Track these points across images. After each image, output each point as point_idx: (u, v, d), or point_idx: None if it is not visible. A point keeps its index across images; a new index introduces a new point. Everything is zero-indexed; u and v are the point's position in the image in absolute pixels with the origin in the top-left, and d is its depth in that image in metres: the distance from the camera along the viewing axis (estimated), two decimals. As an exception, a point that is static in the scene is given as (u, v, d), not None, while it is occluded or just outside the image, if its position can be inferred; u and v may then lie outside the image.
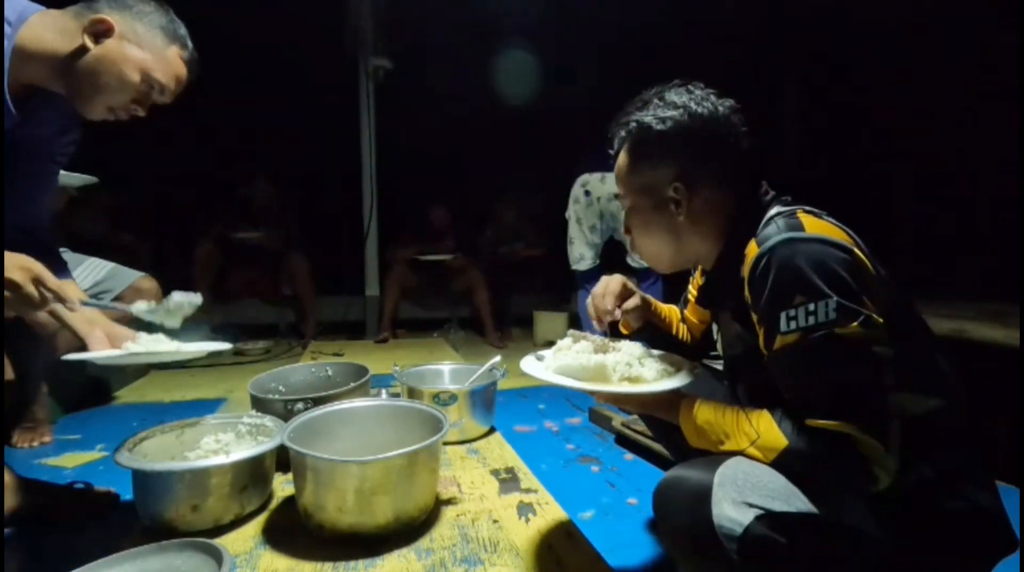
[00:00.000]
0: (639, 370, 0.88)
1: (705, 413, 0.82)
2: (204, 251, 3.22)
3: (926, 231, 3.05)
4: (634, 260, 2.60)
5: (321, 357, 2.92)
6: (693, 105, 0.88)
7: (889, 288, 0.77)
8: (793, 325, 0.72)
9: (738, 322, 0.87)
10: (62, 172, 1.59)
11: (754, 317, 0.79)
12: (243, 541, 1.06)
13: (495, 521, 1.14)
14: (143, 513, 1.09)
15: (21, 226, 1.16)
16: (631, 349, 0.92)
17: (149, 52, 1.08)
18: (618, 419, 1.84)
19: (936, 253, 2.91)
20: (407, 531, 1.07)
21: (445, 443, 1.50)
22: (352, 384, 1.53)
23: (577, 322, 3.16)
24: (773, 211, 0.84)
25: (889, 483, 0.69)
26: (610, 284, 1.06)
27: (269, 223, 3.42)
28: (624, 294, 1.07)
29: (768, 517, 0.69)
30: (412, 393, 1.60)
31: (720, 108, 0.89)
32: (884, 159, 3.25)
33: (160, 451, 1.19)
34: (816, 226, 0.76)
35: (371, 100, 3.73)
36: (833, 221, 0.80)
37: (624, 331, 1.14)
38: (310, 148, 4.05)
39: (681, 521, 0.74)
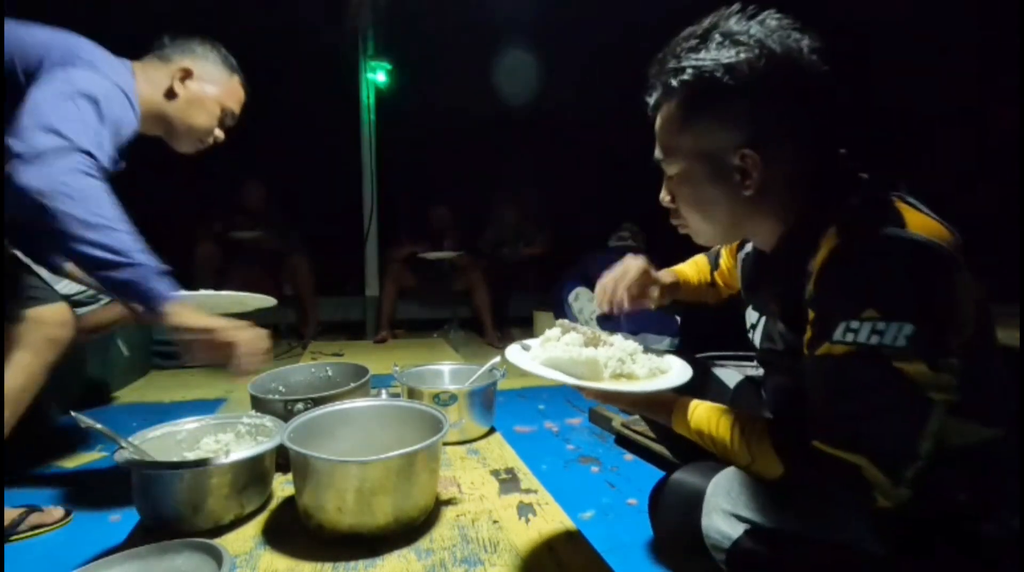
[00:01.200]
0: (631, 367, 0.82)
1: (700, 422, 0.77)
2: (204, 251, 3.23)
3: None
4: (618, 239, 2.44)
5: (321, 357, 2.92)
6: (771, 43, 0.68)
7: (980, 307, 0.63)
8: (850, 337, 0.60)
9: (784, 322, 0.75)
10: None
11: (810, 313, 0.66)
12: (243, 541, 1.06)
13: (495, 521, 1.14)
14: (143, 513, 1.09)
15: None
16: (624, 344, 0.87)
17: (220, 86, 1.30)
18: (618, 419, 1.84)
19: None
20: (407, 531, 1.07)
21: (445, 443, 1.50)
22: (352, 384, 1.53)
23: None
24: (864, 195, 0.68)
25: (890, 507, 0.61)
26: (629, 271, 0.95)
27: (268, 223, 3.42)
28: (645, 282, 0.97)
29: (757, 532, 0.66)
30: (412, 393, 1.60)
31: (804, 48, 0.70)
32: (884, 159, 3.26)
33: (160, 451, 1.19)
34: (920, 224, 0.61)
35: (371, 100, 3.73)
36: (938, 218, 0.64)
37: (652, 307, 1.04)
38: (310, 148, 4.05)
39: (674, 526, 0.74)
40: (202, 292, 1.45)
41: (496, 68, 4.07)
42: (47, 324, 1.21)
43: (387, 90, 3.78)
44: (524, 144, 4.28)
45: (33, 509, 1.25)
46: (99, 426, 1.06)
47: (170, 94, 1.24)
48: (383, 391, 1.85)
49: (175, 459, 1.20)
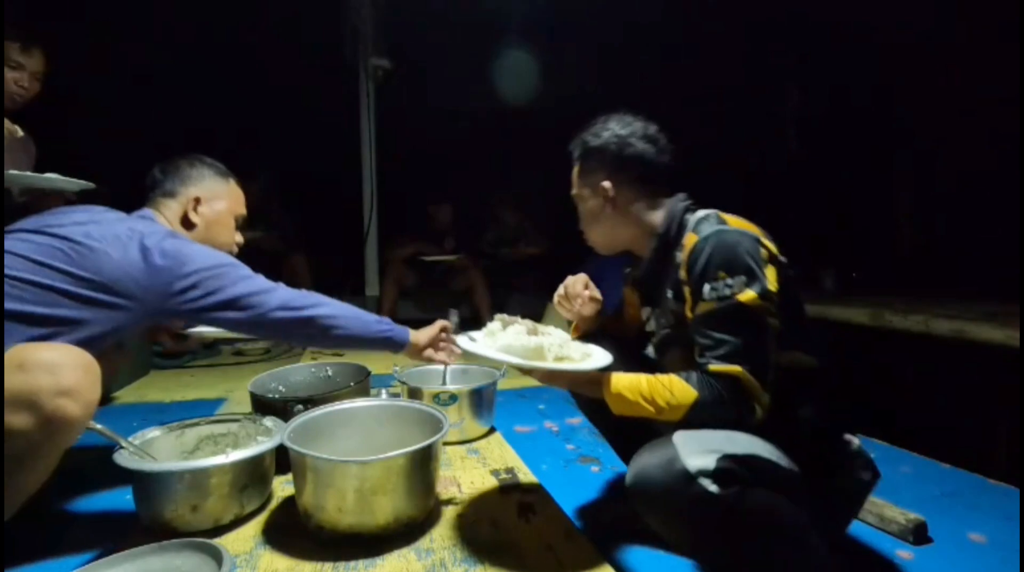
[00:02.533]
0: (568, 351, 1.01)
1: (625, 382, 0.99)
2: None
3: (926, 231, 3.05)
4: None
5: (321, 357, 2.92)
6: (618, 127, 1.14)
7: (787, 273, 1.00)
8: (713, 294, 0.95)
9: (673, 298, 1.08)
10: (60, 177, 1.60)
11: (686, 290, 1.02)
12: (243, 541, 1.06)
13: (495, 521, 1.14)
14: (143, 513, 1.09)
15: None
16: (559, 334, 1.05)
17: (225, 199, 1.39)
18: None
19: (936, 253, 2.91)
20: (407, 531, 1.07)
21: (445, 443, 1.50)
22: (352, 384, 1.53)
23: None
24: (700, 213, 1.07)
25: (762, 416, 0.93)
26: (579, 277, 1.27)
27: (267, 224, 3.41)
28: (587, 284, 1.27)
29: (727, 457, 0.87)
30: (412, 393, 1.60)
31: (641, 131, 1.14)
32: (884, 159, 3.25)
33: (160, 451, 1.19)
34: (735, 222, 1.02)
35: (371, 100, 3.73)
36: (745, 219, 1.04)
37: (573, 335, 1.29)
38: (310, 148, 4.05)
39: (659, 484, 0.89)
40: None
41: (496, 68, 4.07)
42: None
43: (387, 90, 3.78)
44: (524, 144, 4.28)
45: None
46: (99, 426, 1.06)
47: (188, 224, 1.33)
48: (383, 391, 1.85)
49: (175, 459, 1.20)
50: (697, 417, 0.93)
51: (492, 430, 1.67)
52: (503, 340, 1.01)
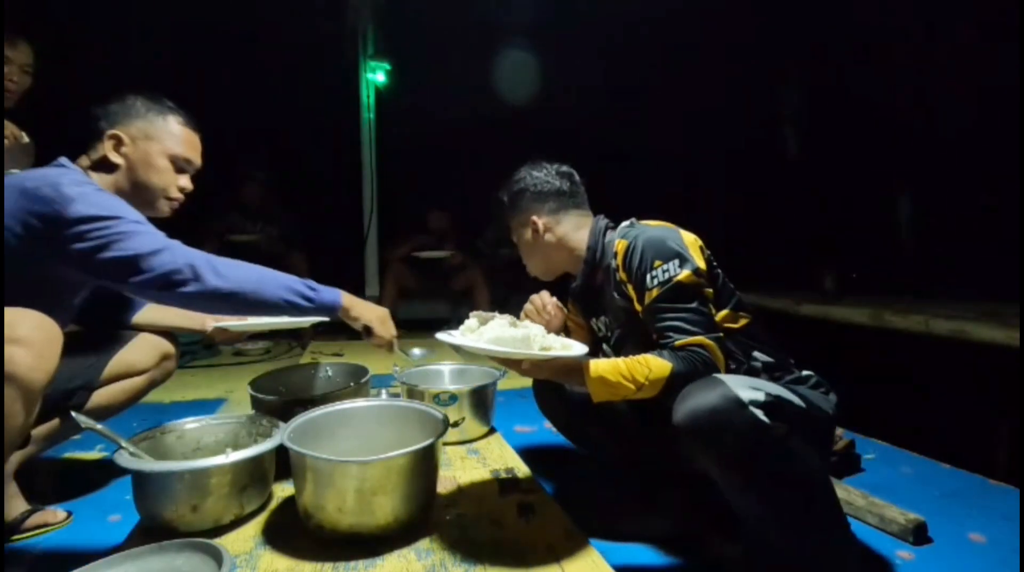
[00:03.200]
0: (549, 341, 1.06)
1: (604, 366, 1.06)
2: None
3: (926, 231, 3.05)
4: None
5: (321, 357, 2.92)
6: (534, 171, 1.35)
7: (705, 251, 1.17)
8: (656, 282, 1.10)
9: (620, 297, 1.20)
10: None
11: (629, 288, 1.16)
12: (243, 541, 1.06)
13: (495, 521, 1.14)
14: (143, 513, 1.09)
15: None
16: (537, 327, 1.08)
17: (159, 137, 1.24)
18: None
19: (936, 253, 2.91)
20: (407, 531, 1.07)
21: (445, 443, 1.50)
22: (352, 384, 1.53)
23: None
24: (622, 224, 1.28)
25: (724, 366, 1.07)
26: (543, 292, 1.42)
27: (268, 224, 3.41)
28: (553, 302, 1.41)
29: (770, 394, 0.95)
30: (412, 393, 1.60)
31: (554, 170, 1.34)
32: (885, 159, 3.25)
33: (160, 451, 1.19)
34: (653, 224, 1.22)
35: (371, 100, 3.73)
36: (659, 220, 1.24)
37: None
38: (310, 148, 4.05)
39: (714, 411, 0.92)
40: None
41: (496, 68, 4.07)
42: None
43: (387, 90, 3.78)
44: (524, 144, 4.26)
45: (35, 509, 1.25)
46: (99, 426, 1.06)
47: (106, 167, 1.21)
48: (383, 391, 1.85)
49: (175, 459, 1.20)
50: (676, 386, 1.01)
51: (492, 430, 1.67)
52: (490, 333, 1.04)
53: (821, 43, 3.61)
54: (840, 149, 3.49)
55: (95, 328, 1.36)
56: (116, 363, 1.32)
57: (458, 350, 1.10)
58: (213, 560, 0.85)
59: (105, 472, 1.58)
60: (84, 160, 1.21)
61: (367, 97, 3.73)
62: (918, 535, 1.22)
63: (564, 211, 1.32)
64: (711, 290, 1.12)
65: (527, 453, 1.60)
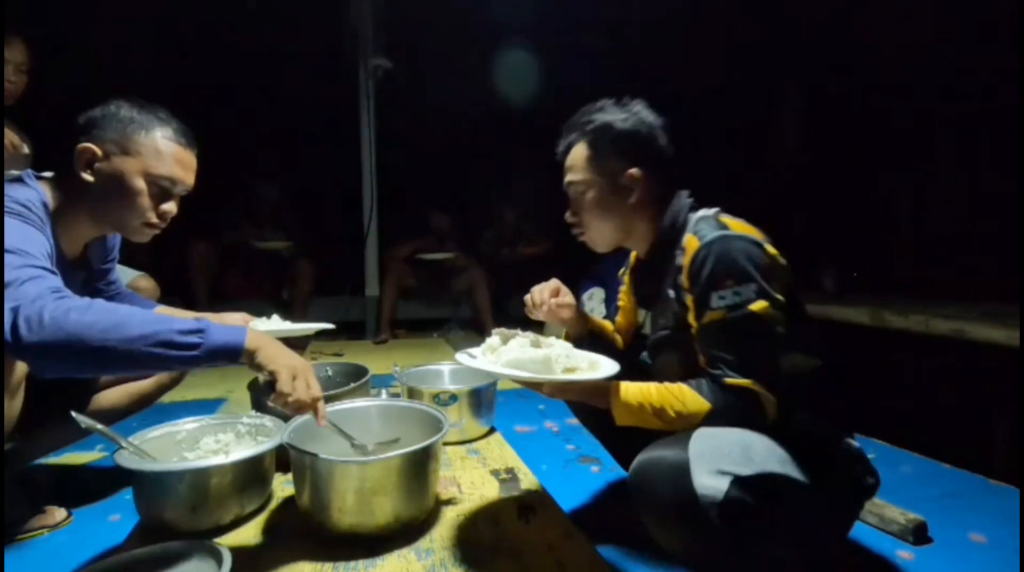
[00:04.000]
0: (575, 362, 0.99)
1: (633, 392, 0.96)
2: (199, 252, 3.20)
3: (926, 231, 3.05)
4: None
5: (321, 357, 2.92)
6: (644, 113, 1.08)
7: (789, 276, 0.98)
8: (722, 303, 0.91)
9: (675, 299, 1.03)
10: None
11: (687, 297, 0.98)
12: (243, 541, 1.06)
13: (495, 521, 1.14)
14: (143, 513, 1.09)
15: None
16: (563, 345, 1.02)
17: (138, 153, 1.05)
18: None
19: (936, 253, 2.91)
20: (407, 531, 1.07)
21: (445, 443, 1.50)
22: (352, 384, 1.53)
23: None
24: (700, 213, 1.03)
25: (773, 420, 0.90)
26: (549, 283, 1.24)
27: (283, 232, 3.41)
28: (557, 290, 1.23)
29: (739, 481, 0.81)
30: (412, 393, 1.60)
31: (661, 122, 1.09)
32: (885, 159, 3.25)
33: (160, 451, 1.19)
34: (737, 226, 0.97)
35: (371, 100, 3.73)
36: (746, 222, 1.00)
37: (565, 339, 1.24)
38: (310, 148, 4.05)
39: (664, 494, 0.84)
40: (263, 322, 1.45)
41: (496, 67, 4.07)
42: None
43: (387, 90, 3.78)
44: (525, 144, 4.27)
45: (35, 509, 1.25)
46: (99, 426, 1.06)
47: (76, 185, 1.04)
48: (383, 391, 1.85)
49: (175, 459, 1.20)
50: (709, 425, 0.90)
51: (492, 430, 1.67)
52: (509, 354, 0.97)
53: (821, 43, 3.61)
54: (840, 148, 3.49)
55: None
56: None
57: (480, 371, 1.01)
58: (213, 560, 0.85)
59: (105, 472, 1.58)
60: (47, 181, 1.07)
61: (367, 97, 3.72)
62: (918, 535, 1.22)
63: (659, 170, 1.07)
64: (784, 329, 0.92)
65: (527, 453, 1.60)
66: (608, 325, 1.35)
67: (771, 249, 0.96)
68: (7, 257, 0.84)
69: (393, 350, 3.21)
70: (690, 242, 0.98)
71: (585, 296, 3.15)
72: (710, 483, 0.80)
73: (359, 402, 1.33)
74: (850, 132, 3.44)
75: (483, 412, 1.62)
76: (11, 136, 1.67)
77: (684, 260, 0.98)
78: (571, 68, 4.08)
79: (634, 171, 1.05)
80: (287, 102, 3.95)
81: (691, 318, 0.97)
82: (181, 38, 3.66)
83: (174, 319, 0.87)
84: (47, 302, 0.81)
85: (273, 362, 0.93)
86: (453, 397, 1.56)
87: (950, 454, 1.68)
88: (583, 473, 1.62)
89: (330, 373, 1.69)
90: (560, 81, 4.10)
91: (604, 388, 0.97)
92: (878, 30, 3.23)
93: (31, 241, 0.91)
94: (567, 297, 1.23)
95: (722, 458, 0.83)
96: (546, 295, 1.21)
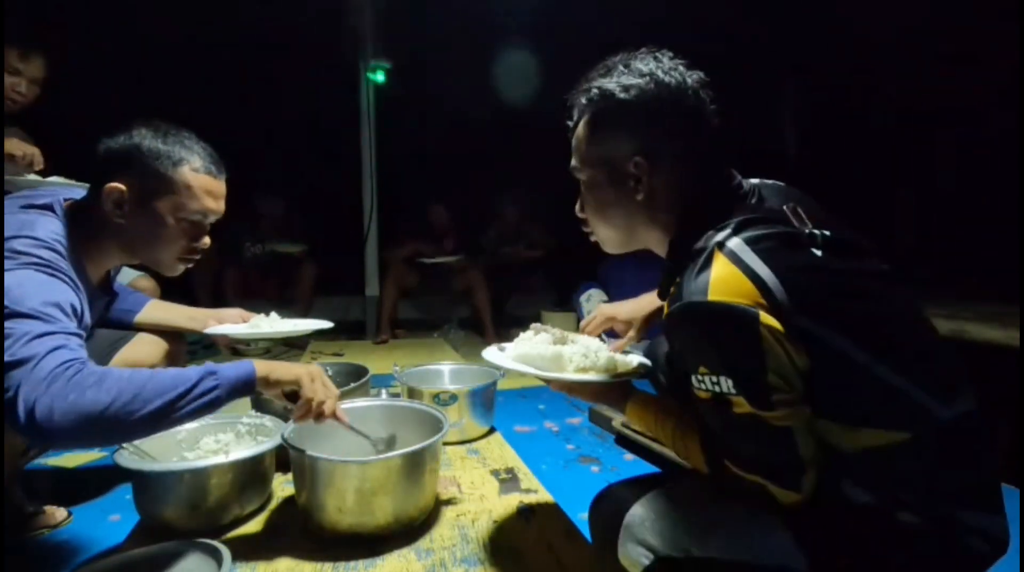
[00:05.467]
0: (594, 361, 0.91)
1: (646, 419, 0.87)
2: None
3: (926, 231, 3.05)
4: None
5: (321, 357, 2.92)
6: (660, 74, 0.80)
7: (826, 326, 0.67)
8: (703, 387, 0.70)
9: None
10: (64, 180, 1.60)
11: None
12: (243, 541, 1.06)
13: (495, 521, 1.14)
14: (143, 513, 1.09)
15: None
16: (588, 342, 0.96)
17: (166, 190, 1.03)
18: (618, 419, 1.84)
19: (936, 253, 2.91)
20: (407, 531, 1.07)
21: (445, 443, 1.50)
22: (352, 384, 1.53)
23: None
24: (709, 236, 0.73)
25: (795, 509, 0.68)
26: (594, 320, 1.12)
27: (296, 238, 3.43)
28: (607, 327, 1.12)
29: (661, 562, 0.72)
30: (412, 393, 1.60)
31: (689, 80, 0.81)
32: (885, 159, 3.25)
33: (160, 451, 1.19)
34: (721, 285, 0.67)
35: (371, 101, 3.73)
36: (748, 265, 0.68)
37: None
38: (310, 149, 4.05)
39: (599, 536, 0.83)
40: (263, 320, 1.45)
41: (496, 68, 4.07)
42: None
43: (387, 90, 3.78)
44: (525, 144, 4.27)
45: (35, 509, 1.25)
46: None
47: (105, 226, 1.02)
48: (383, 391, 1.85)
49: (175, 459, 1.20)
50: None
51: (492, 430, 1.67)
52: (521, 349, 0.95)
53: (821, 44, 3.61)
54: (840, 148, 3.50)
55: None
56: (118, 362, 1.31)
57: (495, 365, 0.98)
58: (213, 560, 0.85)
59: (105, 472, 1.58)
60: (75, 210, 1.04)
61: (367, 97, 3.72)
62: (918, 535, 1.21)
63: (679, 159, 0.80)
64: (800, 409, 0.66)
65: (527, 453, 1.60)
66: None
67: (768, 320, 0.65)
68: (29, 322, 0.81)
69: (393, 350, 3.21)
70: (673, 290, 0.75)
71: (583, 298, 3.12)
72: (631, 553, 0.74)
73: (359, 402, 1.33)
74: (849, 132, 3.45)
75: (483, 412, 1.62)
76: (23, 146, 1.68)
77: (665, 312, 0.76)
78: (571, 68, 4.07)
79: (638, 159, 0.80)
80: (287, 102, 3.95)
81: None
82: (181, 39, 3.66)
83: (185, 370, 0.88)
84: (60, 385, 0.77)
85: (290, 373, 0.97)
86: (453, 397, 1.56)
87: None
88: (583, 473, 1.62)
89: (330, 373, 1.69)
90: (560, 81, 4.10)
91: (617, 392, 0.91)
92: (880, 28, 3.23)
93: (56, 294, 0.88)
94: (620, 329, 1.12)
95: (662, 530, 0.73)
96: (602, 326, 1.11)
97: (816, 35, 3.63)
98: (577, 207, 0.93)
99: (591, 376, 0.90)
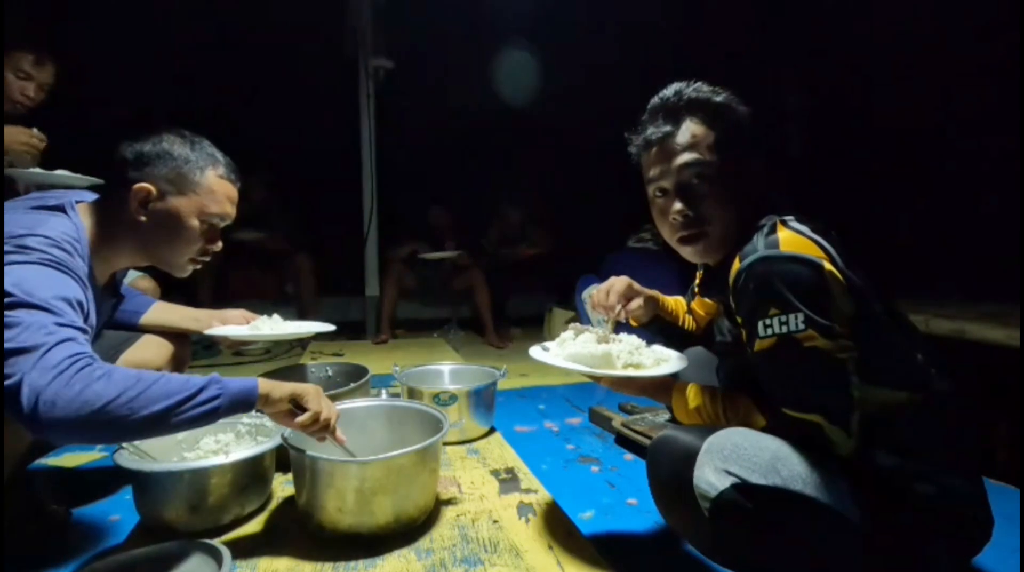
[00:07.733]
0: (639, 358, 0.98)
1: (696, 397, 0.95)
2: None
3: (927, 231, 3.05)
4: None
5: (321, 357, 2.92)
6: (734, 103, 0.99)
7: (861, 294, 0.84)
8: (769, 332, 0.82)
9: (727, 317, 1.00)
10: (68, 173, 1.60)
11: (738, 319, 0.91)
12: (243, 541, 1.06)
13: (495, 521, 1.14)
14: (143, 513, 1.09)
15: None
16: (631, 340, 1.02)
17: (192, 192, 1.08)
18: (618, 419, 1.84)
19: (936, 253, 2.91)
20: (407, 531, 1.07)
21: (445, 443, 1.50)
22: (352, 384, 1.53)
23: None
24: (765, 220, 0.91)
25: (847, 453, 0.80)
26: (616, 284, 1.14)
27: (270, 224, 3.41)
28: (629, 294, 1.16)
29: (743, 487, 0.78)
30: (412, 393, 1.60)
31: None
32: (885, 159, 3.25)
33: (160, 451, 1.19)
34: (791, 243, 0.84)
35: (371, 100, 3.73)
36: (809, 234, 0.86)
37: (633, 324, 1.22)
38: (310, 148, 4.05)
39: (666, 475, 0.86)
40: (265, 321, 1.45)
41: (497, 67, 4.07)
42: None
43: (387, 90, 3.78)
44: (526, 144, 4.27)
45: (35, 509, 1.25)
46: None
47: (127, 223, 1.05)
48: (383, 391, 1.85)
49: (175, 459, 1.20)
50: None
51: (492, 430, 1.67)
52: (571, 349, 1.00)
53: (821, 45, 3.61)
54: (840, 148, 3.50)
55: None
56: (124, 363, 1.30)
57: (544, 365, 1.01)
58: (213, 560, 0.85)
59: (105, 472, 1.58)
60: (90, 214, 1.06)
61: (367, 97, 3.72)
62: (918, 535, 1.22)
63: (769, 167, 0.97)
64: (854, 354, 0.80)
65: (527, 453, 1.60)
66: (681, 305, 1.30)
67: (831, 268, 0.81)
68: (39, 313, 0.82)
69: (393, 350, 3.21)
70: (735, 262, 0.89)
71: (584, 294, 3.12)
72: (710, 478, 0.79)
73: (359, 402, 1.33)
74: (850, 132, 3.45)
75: (483, 412, 1.62)
76: (27, 134, 1.70)
77: (730, 279, 0.90)
78: (572, 68, 4.08)
79: (756, 163, 0.95)
80: (287, 102, 3.95)
81: (745, 339, 0.90)
82: (182, 36, 3.66)
83: (192, 377, 0.89)
84: (69, 375, 0.78)
85: (293, 389, 0.99)
86: (453, 397, 1.56)
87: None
88: (583, 473, 1.62)
89: (330, 373, 1.69)
90: (561, 81, 4.10)
91: (666, 385, 0.98)
92: (880, 28, 3.23)
93: (66, 290, 0.90)
94: (638, 301, 1.17)
95: (738, 459, 0.79)
96: (614, 300, 1.13)
97: (816, 35, 3.63)
98: (681, 207, 0.96)
99: (638, 372, 0.96)
